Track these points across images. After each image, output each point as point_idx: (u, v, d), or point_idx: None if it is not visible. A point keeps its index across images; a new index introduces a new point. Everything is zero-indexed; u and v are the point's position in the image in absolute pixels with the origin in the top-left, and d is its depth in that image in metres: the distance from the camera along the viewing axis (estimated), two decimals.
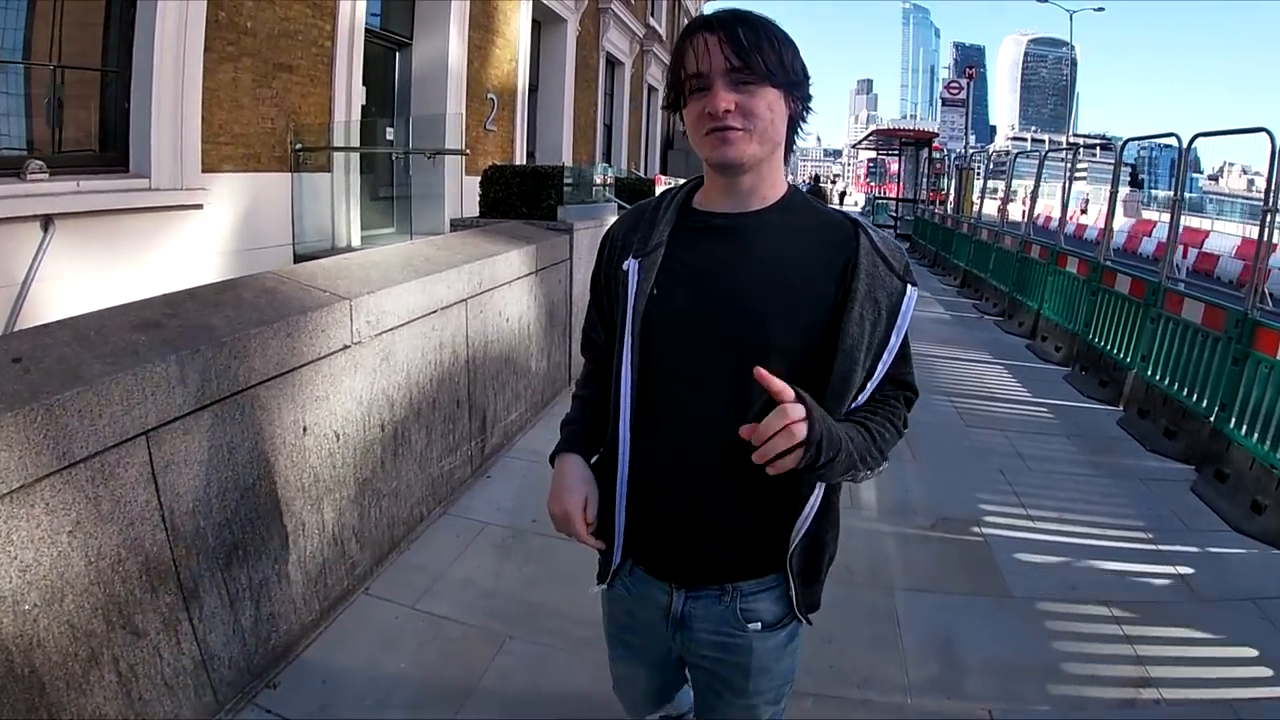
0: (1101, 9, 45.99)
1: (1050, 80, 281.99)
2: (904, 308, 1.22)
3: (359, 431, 2.90)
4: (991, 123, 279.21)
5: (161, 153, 5.33)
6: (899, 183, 24.56)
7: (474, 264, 3.82)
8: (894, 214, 22.96)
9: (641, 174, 17.60)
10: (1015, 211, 13.49)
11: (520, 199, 5.99)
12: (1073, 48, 44.21)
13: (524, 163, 12.25)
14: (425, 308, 3.30)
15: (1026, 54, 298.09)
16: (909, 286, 1.23)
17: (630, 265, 1.25)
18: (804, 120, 1.24)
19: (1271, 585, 3.35)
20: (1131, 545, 3.65)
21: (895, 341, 1.23)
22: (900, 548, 3.53)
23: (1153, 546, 3.65)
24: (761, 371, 1.04)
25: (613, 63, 17.38)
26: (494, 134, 11.30)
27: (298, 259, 7.03)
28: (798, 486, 1.22)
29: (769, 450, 1.04)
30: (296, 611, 2.59)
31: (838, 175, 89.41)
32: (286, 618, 2.53)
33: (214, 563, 2.18)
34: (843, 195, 49.41)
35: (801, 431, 1.03)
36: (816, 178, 31.56)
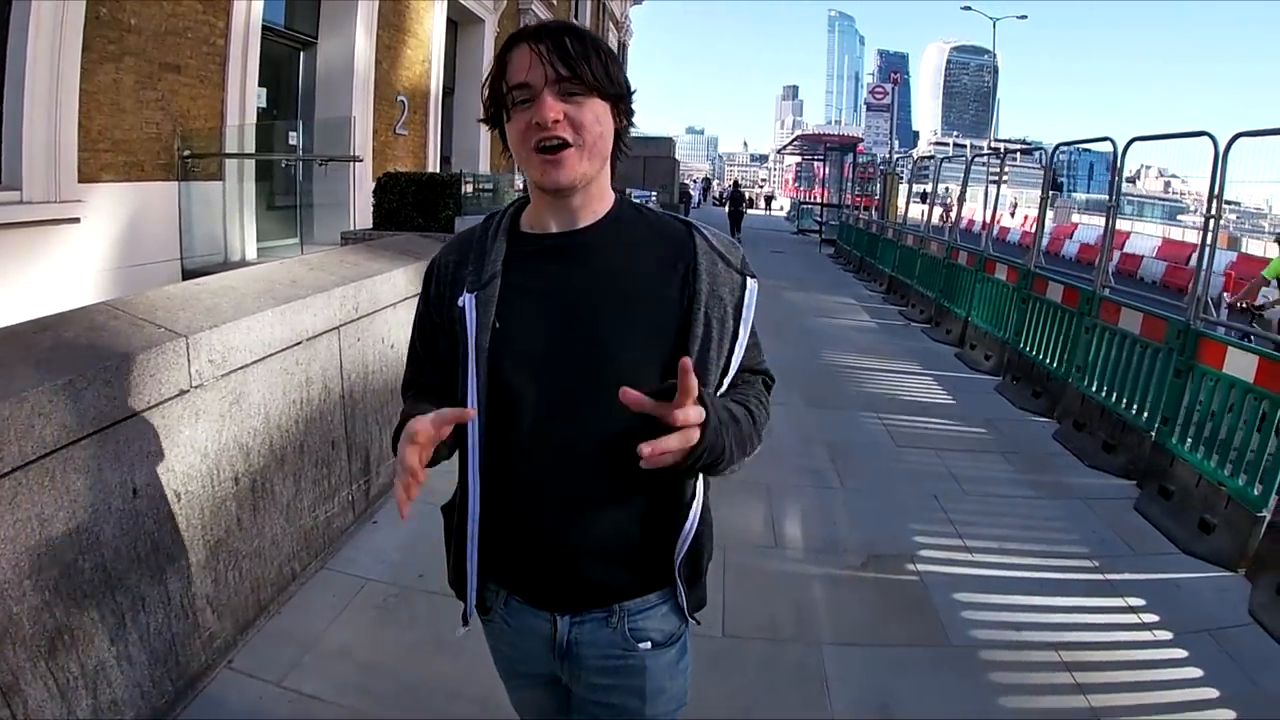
0: (1024, 17, 46.60)
1: (972, 87, 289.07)
2: (747, 300, 1.23)
3: (205, 488, 2.52)
4: (915, 128, 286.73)
5: (34, 163, 5.03)
6: (824, 187, 24.70)
7: (349, 286, 3.42)
8: (819, 219, 23.03)
9: None
10: (940, 217, 13.61)
11: (416, 209, 5.66)
12: (995, 56, 45.27)
13: (438, 169, 11.79)
14: (286, 339, 2.93)
15: (949, 61, 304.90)
16: (749, 279, 1.24)
17: (466, 300, 1.19)
18: (627, 135, 1.22)
19: (1226, 613, 3.17)
20: (1078, 576, 3.42)
21: (744, 334, 1.23)
22: (829, 593, 3.21)
23: (1100, 576, 3.43)
24: (633, 395, 1.00)
25: None
26: (405, 138, 10.84)
27: (186, 275, 6.56)
28: (679, 496, 1.22)
29: (657, 459, 1.01)
30: (145, 695, 2.24)
31: (764, 180, 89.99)
32: (133, 703, 2.20)
33: (35, 652, 1.89)
34: (770, 199, 49.79)
35: (694, 436, 1.04)
36: (737, 183, 31.84)
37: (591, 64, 1.10)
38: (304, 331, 3.04)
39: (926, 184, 16.09)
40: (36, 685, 1.89)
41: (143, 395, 2.21)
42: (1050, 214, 10.19)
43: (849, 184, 21.62)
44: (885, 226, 13.93)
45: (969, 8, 40.06)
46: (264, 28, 7.90)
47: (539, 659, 1.32)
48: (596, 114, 1.12)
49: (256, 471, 2.79)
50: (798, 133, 31.05)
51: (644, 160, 24.11)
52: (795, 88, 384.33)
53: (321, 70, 9.28)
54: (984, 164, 10.67)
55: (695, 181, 47.79)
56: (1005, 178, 10.36)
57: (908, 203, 13.71)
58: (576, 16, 19.96)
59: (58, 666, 1.95)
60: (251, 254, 7.59)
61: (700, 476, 1.25)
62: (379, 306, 3.68)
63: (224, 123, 7.14)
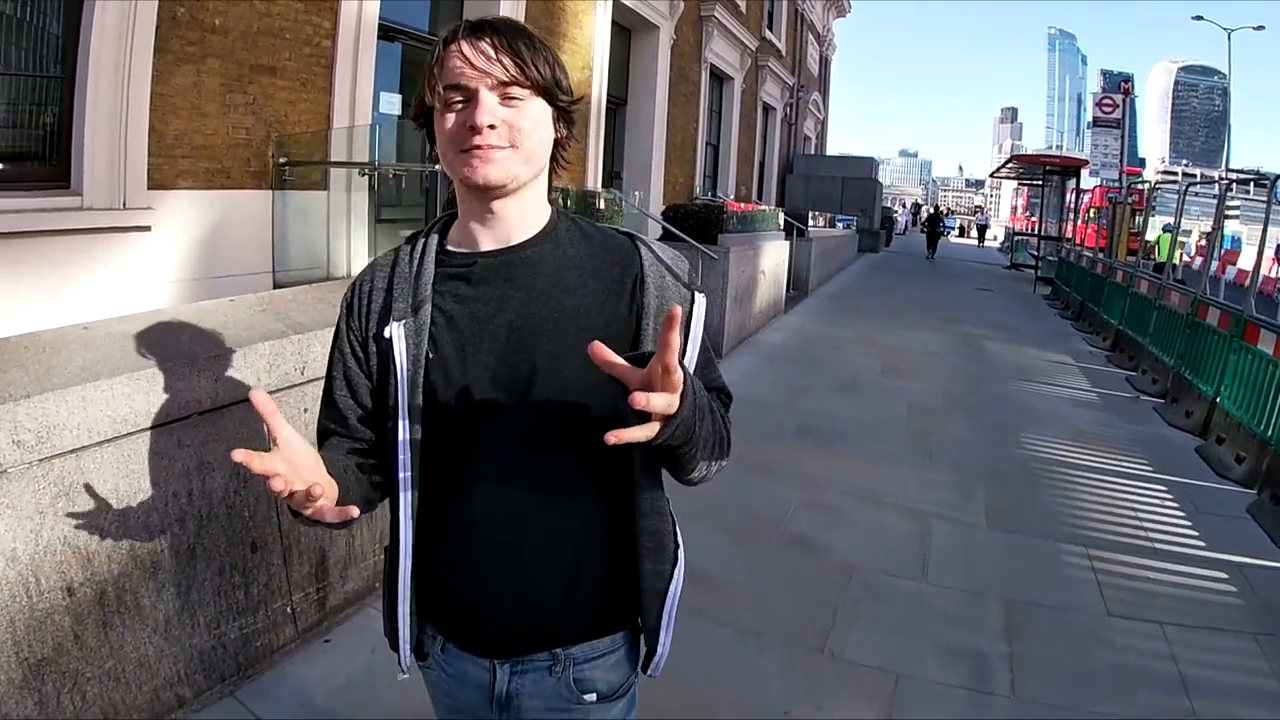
0: (1261, 27, 40.75)
1: (1201, 110, 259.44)
2: (695, 315, 1.14)
3: (17, 599, 2.00)
4: (1140, 155, 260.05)
5: (95, 168, 4.62)
6: (1041, 216, 21.76)
7: (294, 339, 2.60)
8: (1034, 252, 20.22)
9: (730, 197, 15.88)
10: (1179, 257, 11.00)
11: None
12: (1226, 76, 40.11)
13: (600, 184, 10.95)
14: (162, 413, 2.26)
15: (1177, 82, 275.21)
16: (696, 294, 1.16)
17: (394, 330, 1.09)
18: (568, 147, 1.15)
19: None
20: None
21: (694, 350, 1.13)
22: None
23: None
24: (603, 352, 0.89)
25: (719, 77, 15.89)
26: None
27: (278, 288, 6.04)
28: (631, 535, 1.13)
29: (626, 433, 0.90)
30: None
31: (979, 207, 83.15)
32: None
33: None
34: (983, 229, 43.16)
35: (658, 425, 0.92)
36: (937, 208, 30.02)
37: (538, 65, 1.03)
38: (196, 402, 2.35)
39: (1160, 217, 13.41)
40: None
41: None
42: None
43: (1071, 213, 18.78)
44: (1113, 267, 11.47)
45: (1200, 17, 36.69)
46: (399, 30, 7.40)
47: (478, 709, 1.21)
48: (536, 119, 1.05)
49: (107, 581, 2.22)
50: (1013, 154, 27.79)
51: (842, 181, 22.53)
52: (1014, 109, 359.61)
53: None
54: (1239, 196, 8.43)
55: (903, 206, 44.78)
56: (1237, 212, 8.12)
57: (1150, 242, 11.24)
58: (772, 27, 18.73)
59: None
60: (359, 269, 6.95)
61: (669, 519, 1.18)
62: None
63: (330, 128, 6.58)
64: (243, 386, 2.40)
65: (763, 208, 11.59)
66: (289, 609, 2.76)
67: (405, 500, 1.11)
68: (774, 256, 9.45)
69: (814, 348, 8.35)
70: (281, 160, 6.20)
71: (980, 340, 9.56)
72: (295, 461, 0.94)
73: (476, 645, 1.17)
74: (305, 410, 2.68)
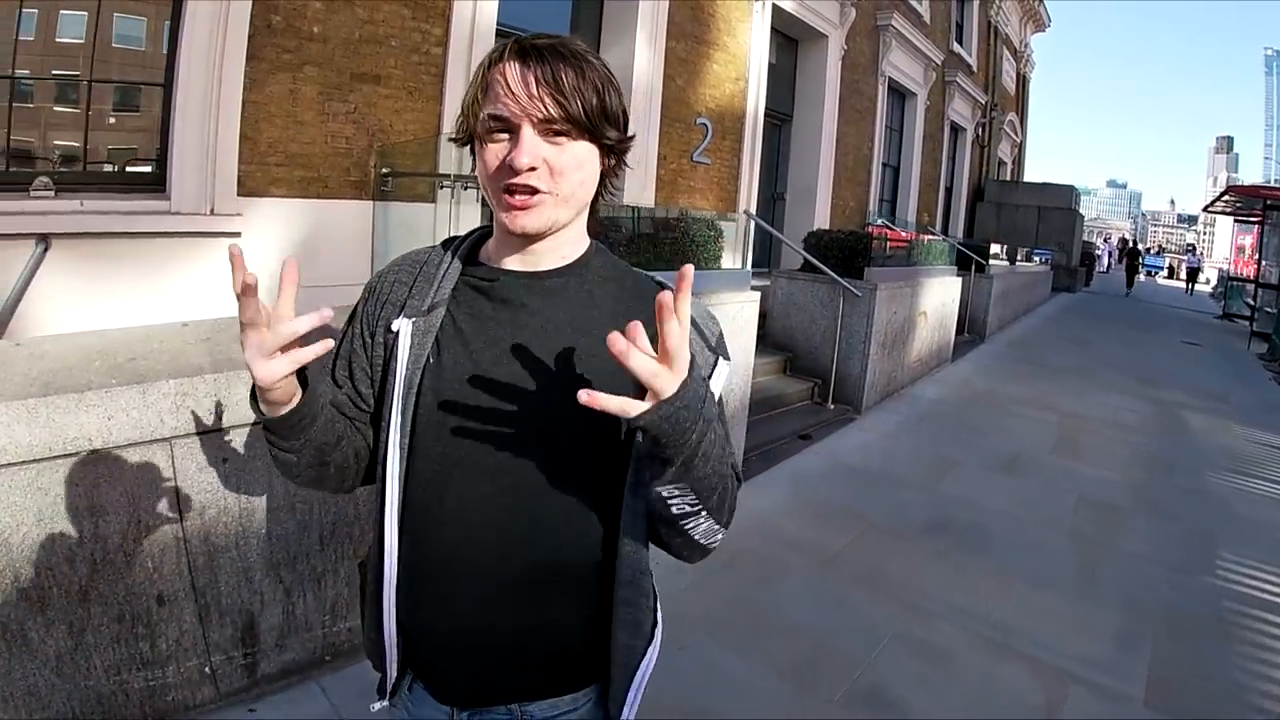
0: None
1: None
2: (714, 381, 1.04)
3: None
4: None
5: (184, 173, 4.69)
6: (1259, 260, 18.51)
7: (209, 378, 2.31)
8: (1249, 300, 17.21)
9: (910, 225, 14.44)
10: None
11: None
12: None
13: (755, 205, 10.12)
14: (49, 447, 2.10)
15: None
16: (720, 360, 1.08)
17: (402, 326, 1.06)
18: (617, 176, 1.10)
19: None
20: None
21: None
22: None
23: None
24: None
25: (900, 92, 14.57)
26: (708, 168, 9.26)
27: None
28: (608, 601, 1.05)
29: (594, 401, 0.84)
30: None
31: (1192, 246, 72.95)
32: None
33: None
34: (1194, 273, 34.15)
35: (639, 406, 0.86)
36: (1135, 244, 27.86)
37: (584, 99, 0.96)
38: (85, 439, 2.17)
39: None
40: None
41: None
42: None
43: None
44: None
45: None
46: (520, 34, 6.96)
47: None
48: (580, 159, 1.00)
49: None
50: (1230, 185, 23.94)
51: (1038, 211, 20.41)
52: (1229, 139, 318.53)
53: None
54: None
55: (1105, 241, 40.36)
56: None
57: None
58: (961, 40, 17.13)
59: None
60: None
61: (650, 595, 1.12)
62: None
63: (439, 138, 6.21)
64: (143, 427, 2.21)
65: (932, 237, 10.21)
66: (208, 669, 2.56)
67: (391, 509, 1.05)
68: (940, 295, 8.18)
69: (976, 408, 7.04)
70: (384, 170, 6.02)
71: (1181, 410, 7.84)
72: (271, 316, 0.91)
73: (440, 689, 1.11)
74: (225, 461, 2.39)
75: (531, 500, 1.00)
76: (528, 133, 0.94)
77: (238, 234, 4.95)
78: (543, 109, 0.94)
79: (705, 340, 1.06)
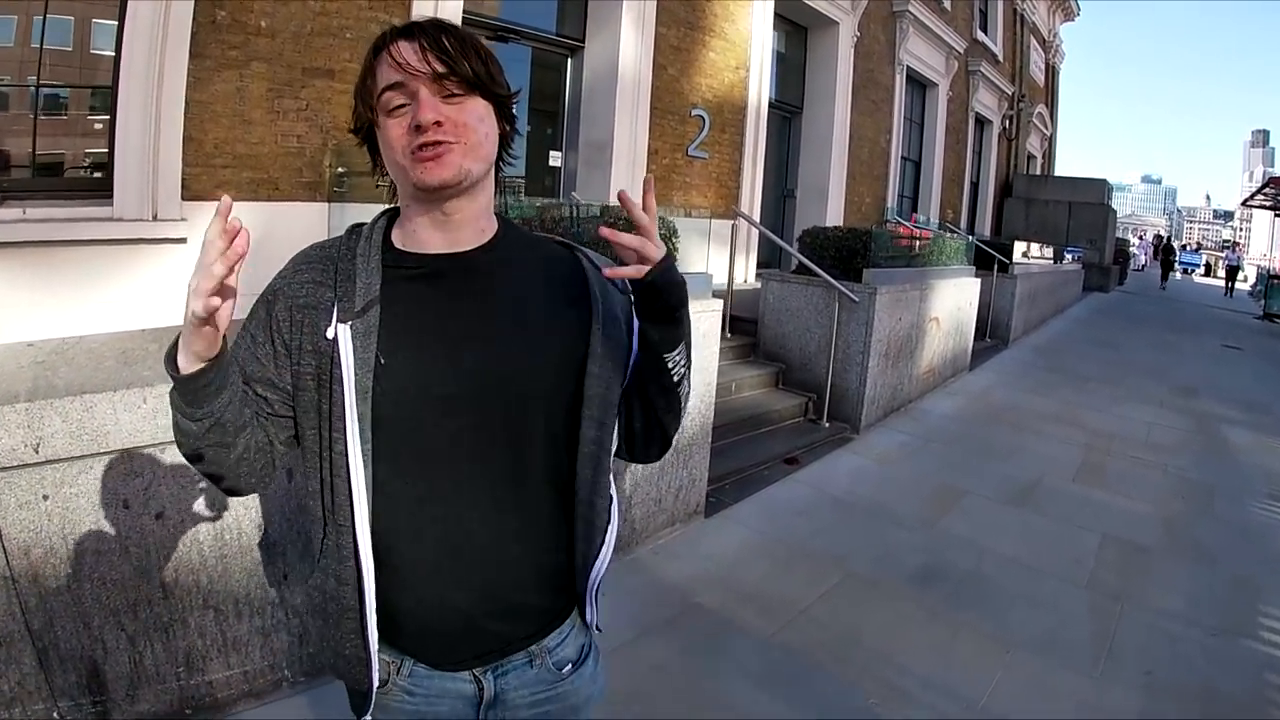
0: None
1: None
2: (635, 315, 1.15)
3: None
4: None
5: (126, 178, 4.55)
6: None
7: (15, 408, 2.04)
8: None
9: (932, 222, 13.72)
10: None
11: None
12: None
13: (759, 204, 9.59)
14: None
15: None
16: (630, 295, 1.14)
17: (341, 332, 1.03)
18: (511, 142, 1.15)
19: None
20: None
21: (637, 346, 1.16)
22: None
23: None
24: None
25: (919, 82, 13.89)
26: (705, 163, 8.72)
27: None
28: (592, 532, 1.17)
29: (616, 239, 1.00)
30: None
31: (1234, 243, 69.50)
32: None
33: None
34: (1233, 271, 29.00)
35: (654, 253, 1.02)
36: (1169, 241, 28.26)
37: (471, 60, 1.02)
38: None
39: None
40: None
41: None
42: None
43: None
44: None
45: None
46: (482, 22, 6.62)
47: (456, 718, 1.19)
48: (479, 114, 1.04)
49: None
50: (1270, 177, 22.79)
51: (1069, 206, 19.55)
52: (1265, 132, 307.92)
53: (588, 78, 7.59)
54: None
55: (1140, 238, 38.91)
56: None
57: None
58: (986, 29, 16.39)
59: None
60: None
61: (613, 503, 1.24)
62: (110, 448, 2.23)
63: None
64: None
65: (943, 234, 9.48)
66: (55, 714, 2.39)
67: (360, 515, 1.06)
68: (954, 298, 7.51)
69: (993, 426, 6.34)
70: (340, 170, 5.60)
71: (1223, 425, 7.08)
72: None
73: (455, 661, 1.15)
74: (46, 498, 2.16)
75: (507, 466, 1.07)
76: (425, 93, 0.99)
77: (182, 240, 4.70)
78: (437, 68, 0.99)
79: (614, 282, 1.17)
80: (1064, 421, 6.58)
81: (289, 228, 5.23)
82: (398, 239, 1.11)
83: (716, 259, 7.38)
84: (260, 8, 4.98)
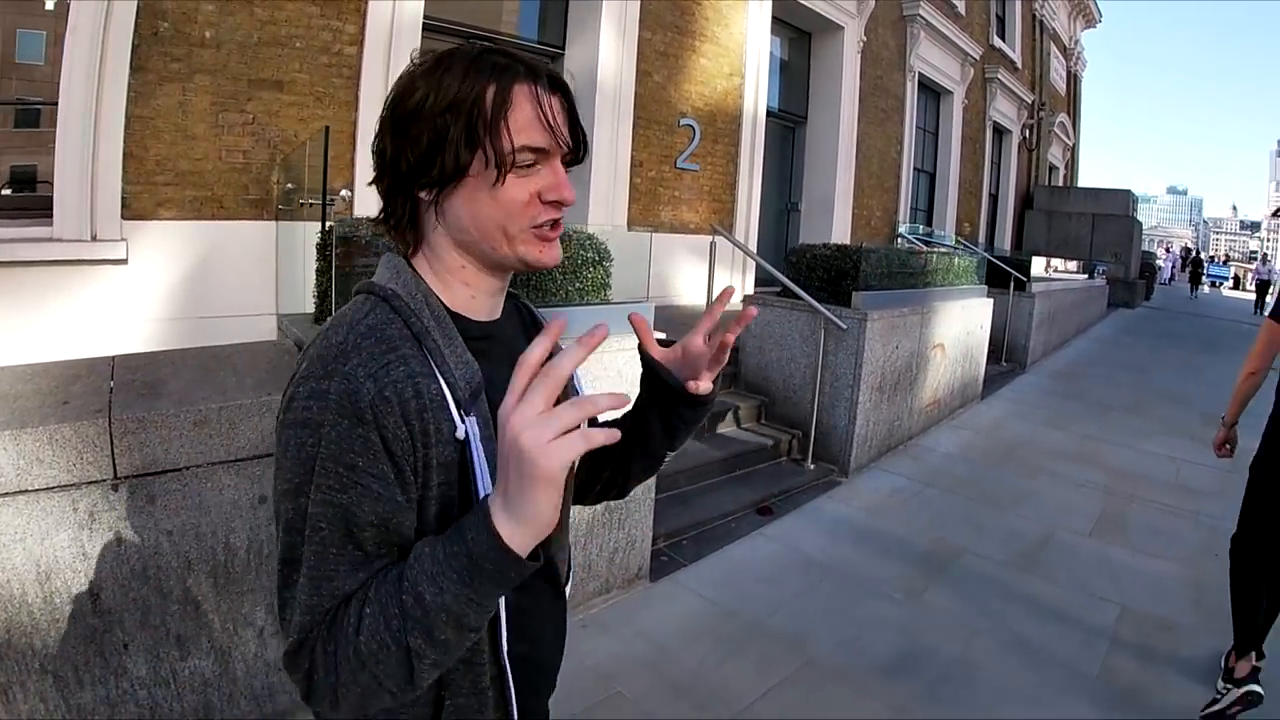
0: None
1: None
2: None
3: None
4: None
5: (66, 197, 4.41)
6: None
7: None
8: None
9: (948, 236, 13.08)
10: None
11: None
12: None
13: (755, 218, 9.09)
14: None
15: None
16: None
17: (469, 428, 0.87)
18: None
19: None
20: None
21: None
22: None
23: None
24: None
25: (933, 90, 13.34)
26: (696, 175, 8.23)
27: (281, 332, 5.00)
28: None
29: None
30: None
31: (1264, 255, 67.15)
32: None
33: None
34: (1264, 286, 26.62)
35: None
36: (1198, 253, 29.84)
37: (583, 134, 0.94)
38: None
39: None
40: None
41: None
42: None
43: None
44: None
45: None
46: (451, 29, 6.27)
47: None
48: None
49: None
50: None
51: (1093, 219, 18.86)
52: None
53: (579, 88, 7.15)
54: None
55: (1167, 250, 37.82)
56: None
57: None
58: (1004, 35, 15.81)
59: None
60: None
61: None
62: None
63: (356, 149, 5.37)
64: None
65: (952, 251, 8.87)
66: None
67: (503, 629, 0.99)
68: (962, 321, 6.93)
69: (1003, 466, 5.73)
70: (289, 186, 5.23)
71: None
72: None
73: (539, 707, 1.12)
74: None
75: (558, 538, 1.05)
76: (559, 166, 0.91)
77: (122, 260, 4.58)
78: (571, 140, 0.92)
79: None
80: (1082, 460, 5.97)
81: (236, 247, 5.11)
82: (448, 301, 0.95)
83: (720, 278, 6.91)
84: (205, 18, 4.76)
